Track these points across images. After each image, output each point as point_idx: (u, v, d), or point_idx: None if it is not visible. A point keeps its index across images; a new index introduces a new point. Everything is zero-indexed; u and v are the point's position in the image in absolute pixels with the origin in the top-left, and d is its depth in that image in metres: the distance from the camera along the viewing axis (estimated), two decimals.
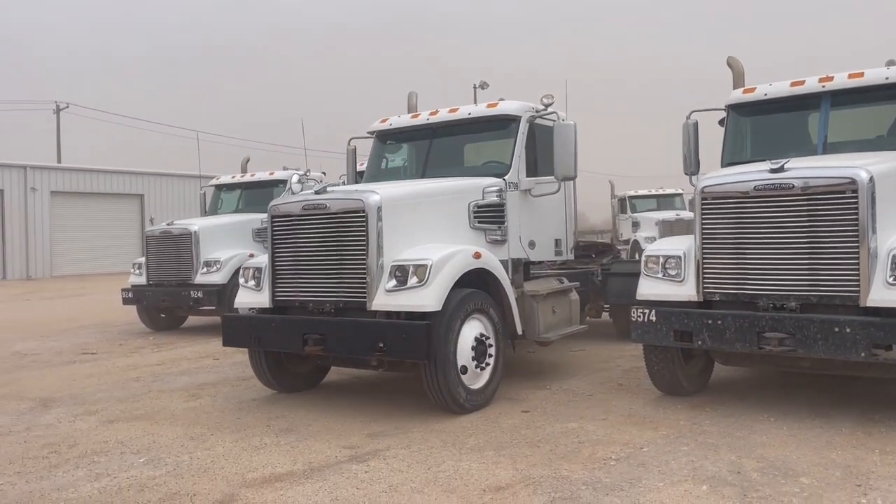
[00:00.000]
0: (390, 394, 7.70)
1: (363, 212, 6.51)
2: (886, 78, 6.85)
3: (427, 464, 5.33)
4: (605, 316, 11.24)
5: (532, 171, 8.11)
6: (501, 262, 7.35)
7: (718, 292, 6.33)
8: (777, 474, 4.91)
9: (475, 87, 50.47)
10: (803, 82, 7.31)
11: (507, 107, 8.10)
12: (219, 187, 15.75)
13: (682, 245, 6.73)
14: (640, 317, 6.60)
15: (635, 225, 25.33)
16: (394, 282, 6.37)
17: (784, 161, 6.01)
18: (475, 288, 6.84)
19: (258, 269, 7.35)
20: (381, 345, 6.21)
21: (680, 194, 25.87)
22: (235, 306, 7.66)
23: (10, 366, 10.32)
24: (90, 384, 8.71)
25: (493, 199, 7.62)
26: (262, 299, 7.22)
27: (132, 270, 14.18)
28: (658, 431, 6.01)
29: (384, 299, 6.39)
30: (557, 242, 8.60)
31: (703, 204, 6.39)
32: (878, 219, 5.69)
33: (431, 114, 8.52)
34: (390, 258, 6.51)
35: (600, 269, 10.37)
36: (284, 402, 7.43)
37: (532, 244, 8.11)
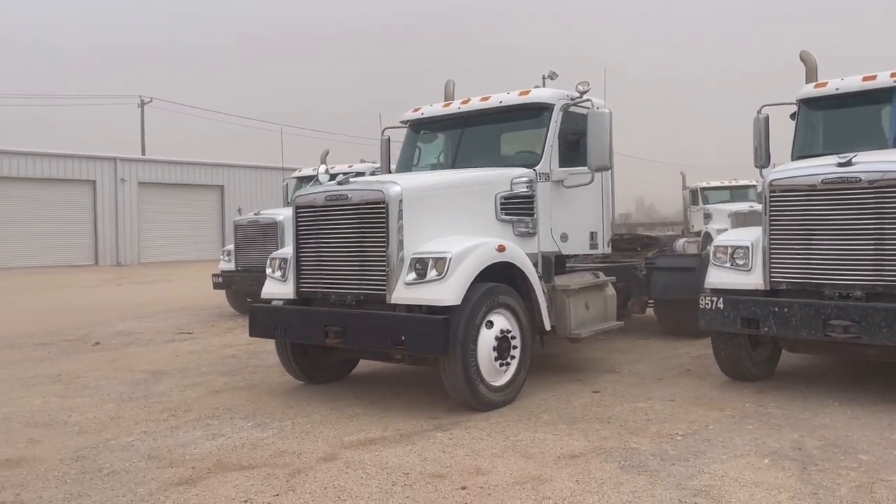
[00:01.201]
0: None
1: (383, 203, 6.37)
2: None
3: (505, 434, 5.79)
4: (650, 312, 10.82)
5: (566, 161, 7.74)
6: (531, 255, 7.12)
7: (785, 281, 6.58)
8: (837, 451, 5.18)
9: (544, 78, 50.22)
10: (875, 77, 7.44)
11: (539, 94, 7.79)
12: (300, 179, 16.53)
13: (750, 236, 6.99)
14: (708, 304, 6.89)
15: (707, 216, 25.09)
16: (413, 275, 6.21)
17: (852, 155, 6.23)
18: (502, 282, 6.64)
19: (284, 260, 7.26)
20: (402, 338, 6.09)
21: (754, 186, 25.38)
22: (262, 297, 7.55)
23: (117, 343, 11.29)
24: (192, 360, 9.51)
25: (521, 189, 7.31)
26: (286, 290, 7.13)
27: (222, 257, 15.13)
28: (724, 412, 6.31)
29: (403, 292, 6.24)
30: (593, 235, 8.20)
31: (771, 196, 6.65)
32: None
33: (463, 102, 8.28)
34: (411, 250, 6.34)
35: (644, 263, 10.15)
36: (370, 378, 8.02)
37: (564, 237, 7.76)
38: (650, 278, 9.99)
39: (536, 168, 7.47)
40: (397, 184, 6.51)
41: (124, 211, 36.89)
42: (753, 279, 6.75)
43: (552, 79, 49.50)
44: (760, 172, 7.86)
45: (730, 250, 7.00)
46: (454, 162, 8.19)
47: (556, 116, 7.64)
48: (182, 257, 37.76)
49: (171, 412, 6.73)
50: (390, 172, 9.02)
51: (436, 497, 4.51)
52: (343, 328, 6.44)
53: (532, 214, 7.40)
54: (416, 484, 4.72)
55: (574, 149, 7.79)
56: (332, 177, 7.12)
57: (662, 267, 10.05)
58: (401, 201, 6.38)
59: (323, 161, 17.00)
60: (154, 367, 9.06)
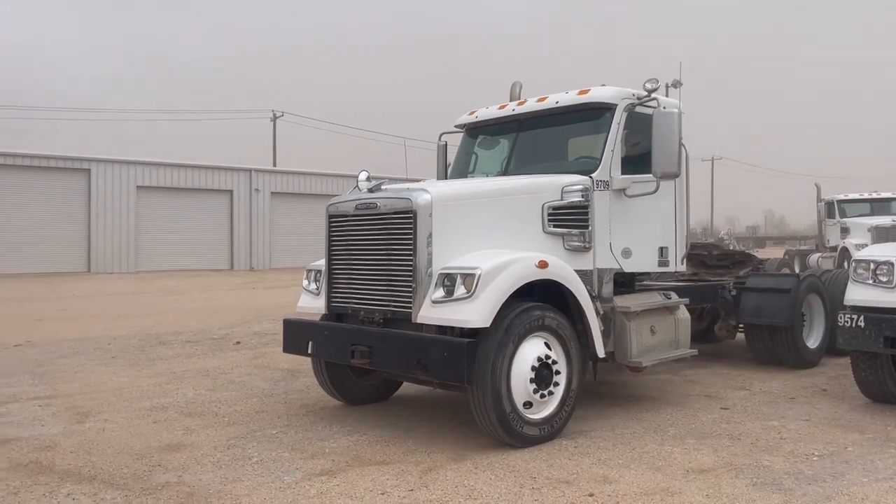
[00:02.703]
0: (591, 384, 8.20)
1: (411, 212, 5.79)
2: None
3: (631, 445, 5.81)
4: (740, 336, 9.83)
5: (631, 167, 6.91)
6: (585, 272, 6.40)
7: None
8: None
9: (668, 87, 48.47)
10: None
11: (600, 93, 6.95)
12: None
13: (895, 251, 6.68)
14: (848, 322, 6.62)
15: (844, 230, 23.66)
16: (441, 291, 5.59)
17: None
18: (550, 302, 5.96)
19: (318, 272, 6.85)
20: (424, 362, 5.52)
21: None
22: (297, 310, 7.12)
23: (256, 342, 12.01)
24: None
25: (574, 199, 6.47)
26: (319, 305, 6.73)
27: None
28: (864, 435, 6.06)
29: (429, 311, 5.64)
30: (662, 251, 7.28)
31: None
32: None
33: (519, 104, 7.58)
34: (440, 265, 5.75)
35: (734, 283, 9.29)
36: None
37: (627, 252, 6.86)
38: (740, 299, 9.06)
39: (593, 175, 6.66)
40: (427, 191, 5.89)
41: (257, 219, 38.95)
42: None
43: (676, 87, 47.73)
44: None
45: (872, 266, 6.69)
46: (507, 168, 7.53)
47: (619, 118, 6.84)
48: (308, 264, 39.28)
49: (310, 408, 7.16)
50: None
51: (563, 502, 4.60)
52: (370, 348, 5.92)
53: (586, 227, 6.55)
54: (544, 488, 4.83)
55: (640, 154, 6.96)
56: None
57: (754, 287, 9.07)
58: (430, 210, 5.81)
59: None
60: (291, 366, 9.58)
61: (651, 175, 6.70)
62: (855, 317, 6.58)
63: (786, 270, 10.37)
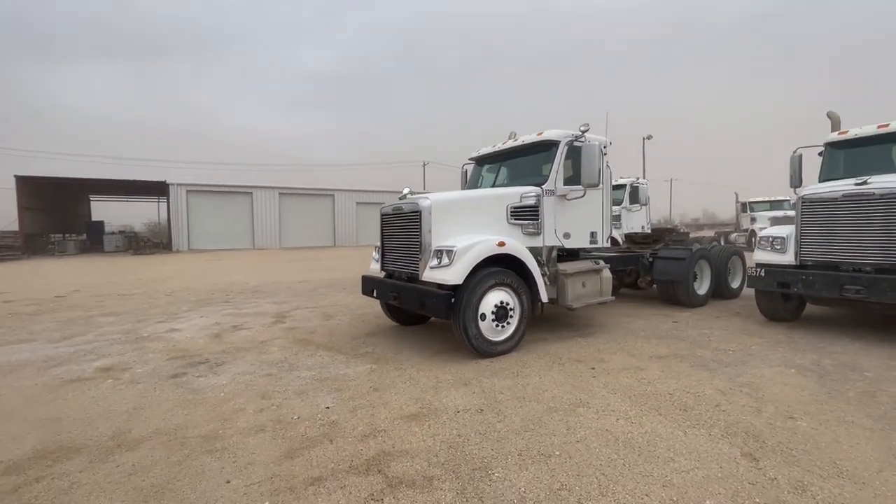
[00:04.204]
0: (594, 316, 7.80)
1: (418, 212, 5.17)
2: None
3: (617, 342, 5.51)
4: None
5: (570, 181, 5.86)
6: (537, 248, 5.55)
7: (811, 259, 5.56)
8: (846, 369, 4.35)
9: (644, 140, 43.99)
10: None
11: (550, 134, 6.00)
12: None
13: (785, 231, 5.97)
14: (755, 272, 5.97)
15: (752, 220, 21.45)
16: (435, 261, 4.95)
17: None
18: (513, 268, 5.15)
19: (378, 248, 6.11)
20: (425, 304, 4.92)
21: (788, 200, 21.29)
22: (369, 271, 6.22)
23: None
24: None
25: (529, 201, 5.60)
26: (377, 268, 6.03)
27: None
28: (763, 339, 5.50)
29: (428, 273, 4.98)
30: (593, 234, 6.14)
31: (803, 207, 5.62)
32: None
33: (503, 143, 6.60)
34: (436, 244, 5.08)
35: (650, 254, 7.91)
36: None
37: (567, 235, 5.88)
38: (653, 264, 7.78)
39: (543, 186, 5.72)
40: (428, 198, 5.21)
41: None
42: (787, 258, 5.72)
43: (649, 138, 42.96)
44: (795, 190, 6.56)
45: (771, 239, 5.92)
46: (494, 183, 6.47)
47: (562, 149, 5.83)
48: None
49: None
50: None
51: (577, 371, 4.47)
52: (398, 294, 5.34)
53: (537, 219, 5.63)
54: (566, 364, 4.70)
55: (576, 172, 5.92)
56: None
57: (662, 256, 7.78)
58: (430, 210, 5.12)
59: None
60: None
61: (581, 186, 5.79)
62: (760, 269, 5.95)
63: (715, 244, 8.98)
